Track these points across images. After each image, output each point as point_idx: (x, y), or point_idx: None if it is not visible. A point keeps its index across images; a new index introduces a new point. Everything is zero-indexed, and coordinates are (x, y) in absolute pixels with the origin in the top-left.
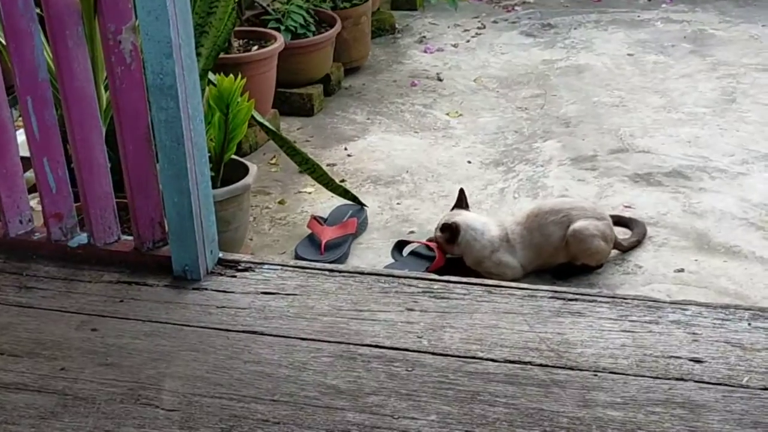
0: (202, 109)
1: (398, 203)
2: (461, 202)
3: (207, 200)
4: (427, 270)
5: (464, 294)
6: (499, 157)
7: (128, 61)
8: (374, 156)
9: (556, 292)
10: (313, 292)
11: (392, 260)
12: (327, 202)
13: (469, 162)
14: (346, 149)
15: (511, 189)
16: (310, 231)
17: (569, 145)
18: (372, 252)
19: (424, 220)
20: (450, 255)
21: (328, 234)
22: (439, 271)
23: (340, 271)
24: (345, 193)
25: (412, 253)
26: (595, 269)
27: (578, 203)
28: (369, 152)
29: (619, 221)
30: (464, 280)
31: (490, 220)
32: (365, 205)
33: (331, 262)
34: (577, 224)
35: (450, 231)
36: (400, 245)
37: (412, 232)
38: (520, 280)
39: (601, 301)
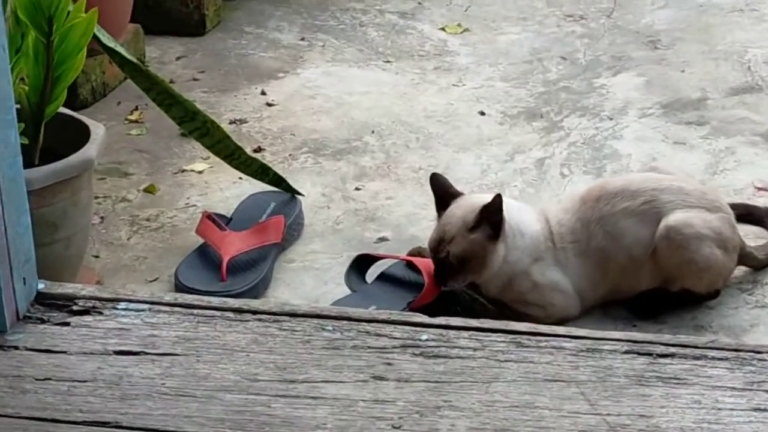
0: (3, 26)
1: (358, 188)
2: (448, 190)
3: (14, 189)
4: (410, 307)
5: (475, 349)
6: (534, 105)
7: None
8: (314, 105)
9: (636, 342)
10: (208, 349)
11: (348, 290)
12: (231, 189)
13: (482, 113)
14: (263, 93)
15: (557, 160)
16: (202, 240)
17: (658, 80)
18: (312, 275)
19: (404, 218)
20: (450, 285)
21: (233, 245)
22: (429, 309)
23: (255, 311)
24: (263, 173)
25: (383, 277)
26: (705, 299)
27: (674, 181)
28: (304, 99)
29: (747, 215)
30: (475, 323)
31: (528, 208)
32: (299, 193)
33: (239, 295)
34: (673, 218)
35: (490, 214)
36: (361, 263)
37: (382, 239)
38: (575, 319)
39: (716, 358)
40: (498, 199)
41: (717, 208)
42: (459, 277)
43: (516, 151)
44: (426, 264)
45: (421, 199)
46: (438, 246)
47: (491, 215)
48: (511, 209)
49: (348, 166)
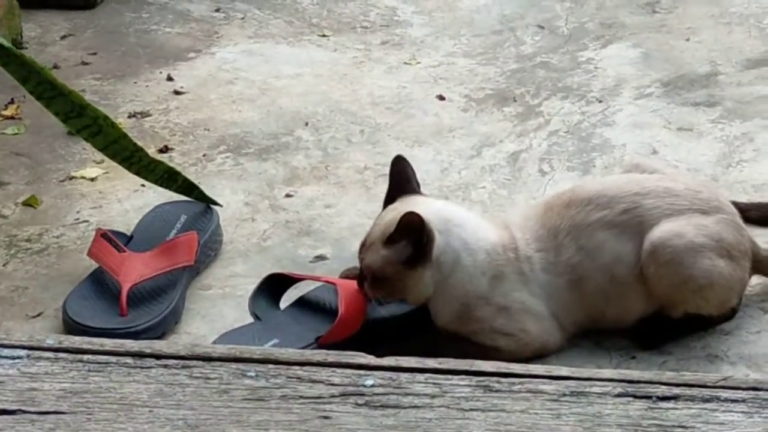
0: None
1: (289, 195)
2: (403, 182)
3: None
4: (318, 343)
5: (433, 395)
6: (506, 86)
7: None
8: (232, 93)
9: (631, 383)
10: (102, 405)
11: (253, 319)
12: (131, 200)
13: (442, 98)
14: (170, 79)
15: (535, 153)
16: (96, 265)
17: (658, 52)
18: (233, 305)
19: (346, 231)
20: (373, 295)
21: (135, 270)
22: (358, 342)
23: (159, 356)
24: (170, 179)
25: (301, 303)
26: (718, 321)
27: (659, 182)
28: (221, 84)
29: (761, 215)
30: (433, 363)
31: (480, 218)
32: (216, 203)
33: (142, 332)
34: (659, 231)
35: (411, 232)
36: (276, 285)
37: (320, 258)
38: (557, 352)
39: (729, 400)
40: (415, 218)
41: (715, 209)
42: (375, 290)
43: (484, 144)
44: (350, 288)
45: (368, 207)
46: (360, 248)
47: (410, 233)
48: (453, 221)
49: (276, 167)
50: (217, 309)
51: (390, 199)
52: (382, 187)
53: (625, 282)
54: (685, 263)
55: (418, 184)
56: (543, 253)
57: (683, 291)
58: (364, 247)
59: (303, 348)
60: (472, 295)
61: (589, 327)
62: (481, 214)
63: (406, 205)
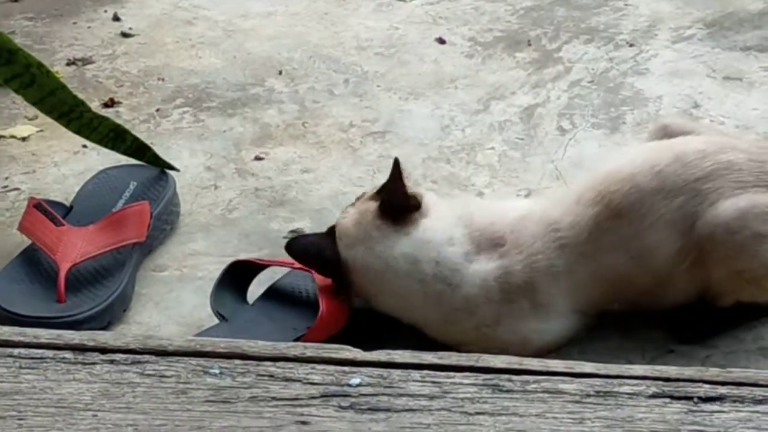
0: None
1: (259, 158)
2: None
3: None
4: (303, 340)
5: (432, 396)
6: (518, 27)
7: None
8: (191, 35)
9: (668, 380)
10: (36, 408)
11: (218, 319)
12: (71, 163)
13: (442, 41)
14: (116, 19)
15: (553, 108)
16: (28, 241)
17: None
18: (192, 289)
19: (328, 200)
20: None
21: (75, 247)
22: (343, 333)
23: (105, 349)
24: (117, 138)
25: (272, 294)
26: None
27: (721, 154)
28: (178, 25)
29: None
30: (431, 358)
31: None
32: (172, 168)
33: (84, 322)
34: (716, 211)
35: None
36: (239, 275)
37: (296, 232)
38: (576, 341)
39: None
40: (418, 196)
41: None
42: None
43: (492, 97)
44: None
45: (354, 171)
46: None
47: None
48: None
49: (244, 124)
50: (174, 294)
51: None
52: (370, 148)
53: (668, 274)
54: (747, 253)
55: (400, 176)
56: (574, 284)
57: (739, 281)
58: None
59: None
60: (465, 327)
61: (621, 307)
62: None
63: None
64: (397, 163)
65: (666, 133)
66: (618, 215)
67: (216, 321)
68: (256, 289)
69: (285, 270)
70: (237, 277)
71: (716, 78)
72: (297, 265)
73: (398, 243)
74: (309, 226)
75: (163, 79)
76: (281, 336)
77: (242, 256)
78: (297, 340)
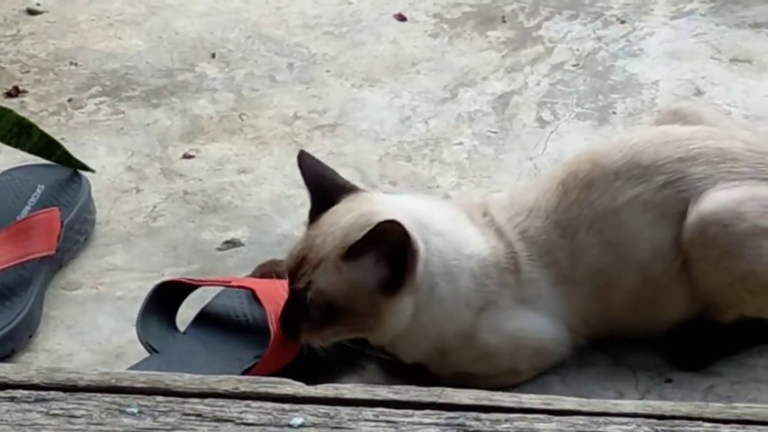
0: None
1: (188, 156)
2: (326, 178)
3: None
4: (258, 366)
5: None
6: (490, 0)
7: None
8: (110, 12)
9: (662, 419)
10: None
11: (147, 351)
12: None
13: (402, 17)
14: None
15: (532, 96)
16: None
17: None
18: (110, 310)
19: (268, 206)
20: (306, 339)
21: None
22: (288, 367)
23: (5, 385)
24: (23, 134)
25: (206, 318)
26: None
27: (711, 139)
28: (93, 0)
29: None
30: (386, 393)
31: (464, 219)
32: (87, 168)
33: None
34: (708, 202)
35: (386, 244)
36: (168, 297)
37: (231, 243)
38: (562, 366)
39: None
40: (396, 228)
41: None
42: (323, 329)
43: (461, 83)
44: (274, 292)
45: (299, 172)
46: (296, 270)
47: (387, 245)
48: (429, 227)
49: (171, 116)
50: (89, 316)
51: (319, 206)
52: (318, 144)
53: (662, 278)
54: (745, 254)
55: (345, 187)
56: (554, 267)
57: (739, 289)
58: (301, 268)
59: None
60: (451, 334)
61: (613, 332)
62: (462, 207)
63: (361, 204)
64: None
65: (676, 118)
66: (587, 185)
67: (144, 351)
68: (184, 311)
69: (216, 289)
70: (164, 300)
71: (721, 60)
72: (234, 282)
73: None
74: (246, 235)
75: (76, 64)
76: (224, 369)
77: (169, 277)
78: (245, 373)
